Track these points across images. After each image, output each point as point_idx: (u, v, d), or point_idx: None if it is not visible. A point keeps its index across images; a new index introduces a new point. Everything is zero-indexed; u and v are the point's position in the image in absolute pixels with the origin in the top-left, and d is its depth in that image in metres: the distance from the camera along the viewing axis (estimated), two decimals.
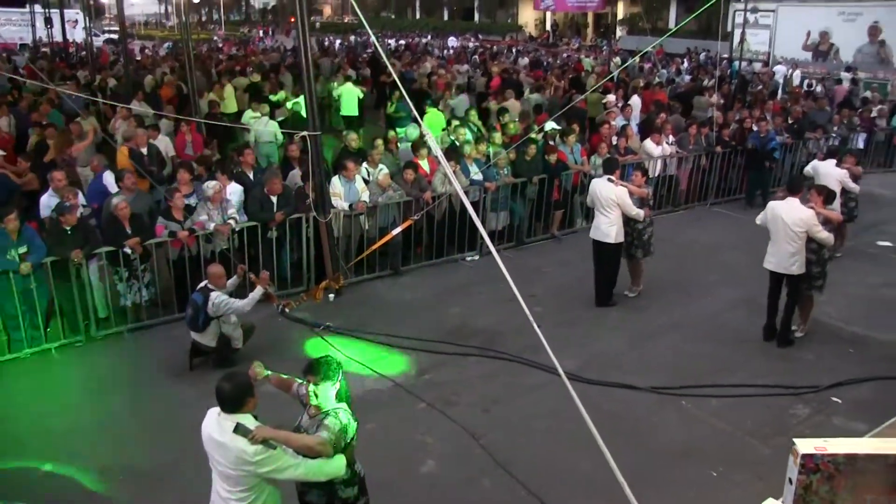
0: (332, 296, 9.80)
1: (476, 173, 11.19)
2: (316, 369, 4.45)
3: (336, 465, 4.34)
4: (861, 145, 16.83)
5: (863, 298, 10.03)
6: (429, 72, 23.08)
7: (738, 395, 7.62)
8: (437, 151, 6.00)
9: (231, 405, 4.24)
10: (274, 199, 9.66)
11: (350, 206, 10.06)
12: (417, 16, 67.59)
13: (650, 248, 9.84)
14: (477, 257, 11.17)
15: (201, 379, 7.64)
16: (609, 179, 9.45)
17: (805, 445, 2.85)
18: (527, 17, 57.33)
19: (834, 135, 15.69)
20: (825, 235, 8.36)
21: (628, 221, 9.52)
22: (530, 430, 6.95)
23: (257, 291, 7.88)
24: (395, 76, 6.89)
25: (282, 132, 13.50)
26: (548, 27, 57.46)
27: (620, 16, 51.04)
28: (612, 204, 9.29)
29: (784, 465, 3.42)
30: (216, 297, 7.64)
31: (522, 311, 4.57)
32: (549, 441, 6.75)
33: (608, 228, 9.39)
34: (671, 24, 42.96)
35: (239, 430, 4.09)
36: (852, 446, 2.88)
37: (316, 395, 4.41)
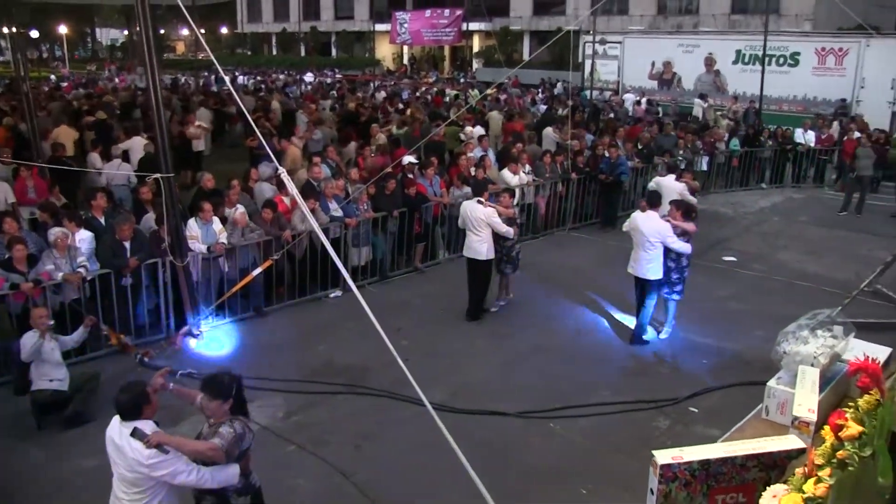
0: (193, 341, 9.49)
1: (336, 209, 11.11)
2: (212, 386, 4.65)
3: (229, 473, 4.53)
4: (705, 167, 17.83)
5: (713, 311, 10.53)
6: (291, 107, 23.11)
7: (604, 413, 7.83)
8: (293, 190, 5.95)
9: (128, 414, 4.45)
10: (127, 244, 9.28)
11: (208, 248, 9.80)
12: (274, 52, 67.11)
13: (518, 264, 10.53)
14: (340, 294, 11.03)
15: (52, 439, 7.22)
16: (479, 201, 10.06)
17: (663, 456, 2.95)
18: (384, 51, 57.83)
19: (680, 158, 16.47)
20: (679, 245, 9.12)
21: (498, 239, 10.12)
22: (402, 464, 6.90)
23: (82, 329, 7.91)
24: (246, 114, 6.80)
25: (135, 174, 13.03)
26: (405, 61, 58.21)
27: (476, 49, 52.25)
28: (482, 223, 9.93)
29: None
30: (26, 337, 7.29)
31: (390, 346, 4.59)
32: (421, 473, 6.70)
33: (479, 246, 10.01)
34: (525, 55, 44.31)
35: (136, 433, 4.28)
36: (705, 452, 3.00)
37: None
